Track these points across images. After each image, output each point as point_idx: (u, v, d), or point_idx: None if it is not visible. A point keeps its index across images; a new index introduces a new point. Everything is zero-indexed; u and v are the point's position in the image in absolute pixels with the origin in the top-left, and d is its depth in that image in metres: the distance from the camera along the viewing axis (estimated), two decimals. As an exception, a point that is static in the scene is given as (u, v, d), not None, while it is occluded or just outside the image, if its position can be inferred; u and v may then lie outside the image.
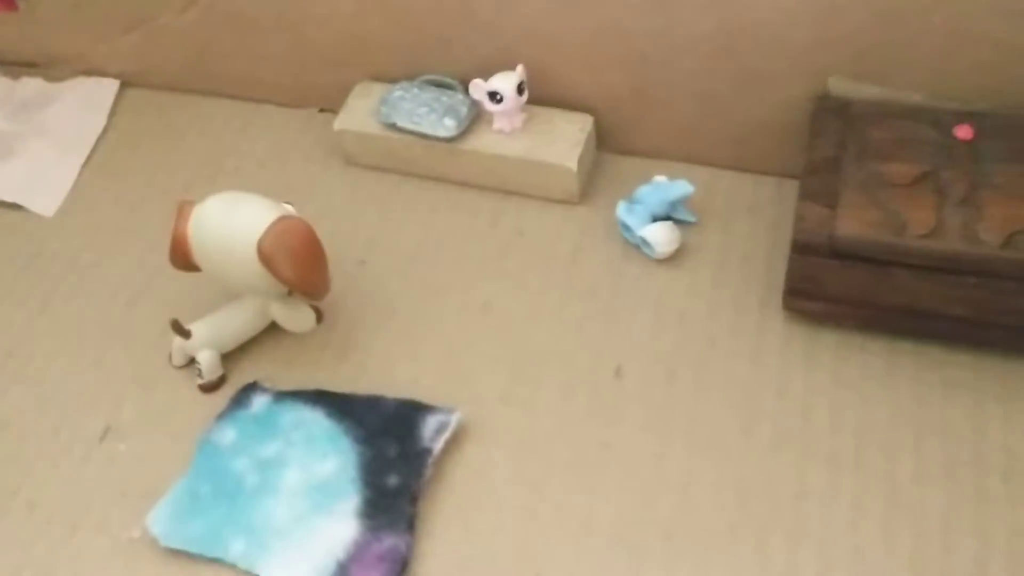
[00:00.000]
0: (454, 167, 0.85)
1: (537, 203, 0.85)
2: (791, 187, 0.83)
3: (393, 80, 0.88)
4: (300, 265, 0.69)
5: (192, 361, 0.75)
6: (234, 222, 0.69)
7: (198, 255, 0.71)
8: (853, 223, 0.68)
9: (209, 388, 0.75)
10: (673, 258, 0.80)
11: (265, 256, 0.68)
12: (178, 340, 0.74)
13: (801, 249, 0.69)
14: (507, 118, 0.82)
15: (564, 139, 0.82)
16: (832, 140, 0.73)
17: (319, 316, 0.77)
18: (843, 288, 0.71)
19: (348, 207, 0.87)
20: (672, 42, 0.78)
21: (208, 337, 0.74)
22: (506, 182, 0.85)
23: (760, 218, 0.82)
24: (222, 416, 0.72)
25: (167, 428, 0.74)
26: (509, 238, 0.83)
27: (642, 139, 0.86)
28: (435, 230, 0.84)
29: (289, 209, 0.72)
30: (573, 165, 0.81)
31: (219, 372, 0.75)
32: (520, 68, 0.80)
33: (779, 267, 0.77)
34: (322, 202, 0.87)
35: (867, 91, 0.76)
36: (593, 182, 0.86)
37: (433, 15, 0.83)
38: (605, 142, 0.87)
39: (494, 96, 0.80)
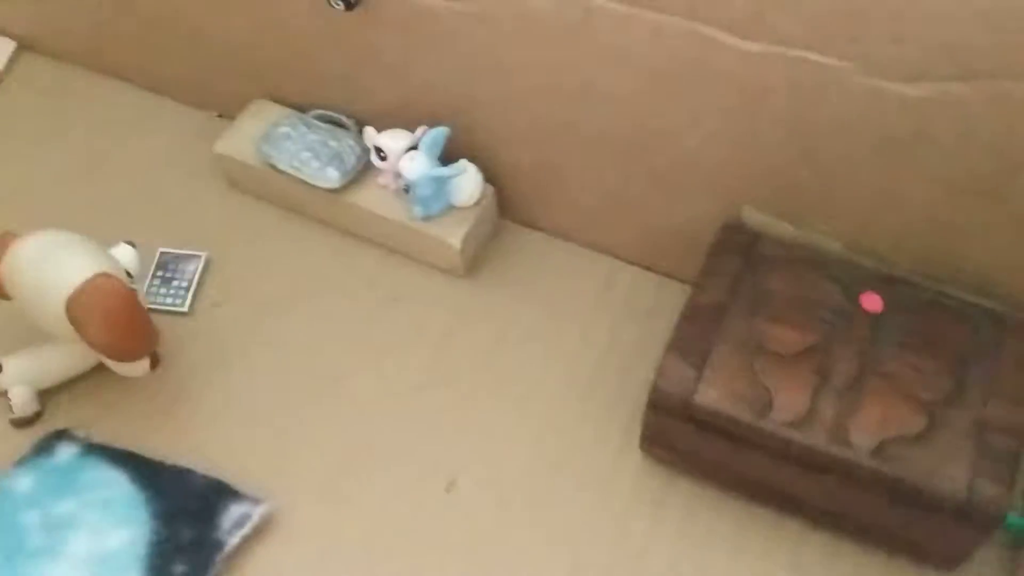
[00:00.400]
0: (336, 215, 0.79)
1: (421, 268, 0.78)
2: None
3: (292, 102, 0.81)
4: (110, 330, 0.64)
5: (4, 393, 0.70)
6: (48, 272, 0.63)
7: (12, 293, 0.65)
8: (715, 393, 0.61)
9: (21, 424, 0.70)
10: (553, 351, 0.74)
11: (72, 317, 0.62)
12: None
13: (654, 406, 0.63)
14: (391, 175, 0.75)
15: (454, 211, 0.75)
16: (725, 283, 0.66)
17: (154, 362, 0.71)
18: (698, 450, 0.65)
19: (218, 236, 0.81)
20: (584, 131, 0.71)
21: (23, 372, 0.69)
22: (388, 240, 0.78)
23: (654, 325, 0.75)
24: (22, 462, 0.68)
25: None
26: (382, 303, 0.77)
27: (545, 216, 0.79)
28: (305, 280, 0.78)
29: (123, 256, 0.66)
30: (457, 243, 0.74)
31: (34, 408, 0.70)
32: (419, 132, 0.73)
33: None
34: (193, 225, 0.81)
35: (783, 229, 0.69)
36: (487, 252, 0.79)
37: (333, 49, 0.75)
38: (508, 210, 0.80)
39: (379, 152, 0.73)
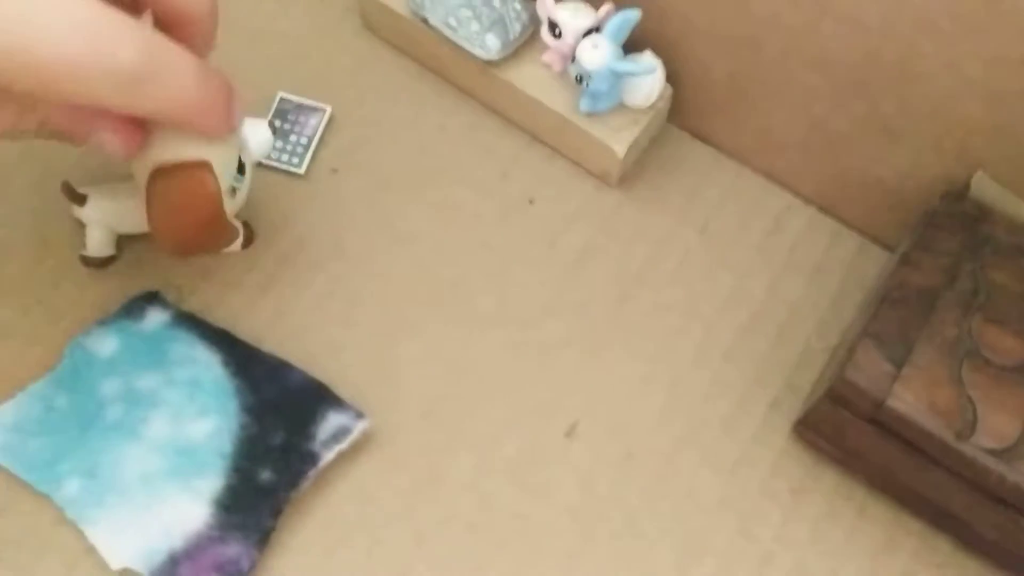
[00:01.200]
0: (484, 89, 0.68)
1: (565, 167, 0.68)
2: (876, 255, 0.66)
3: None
4: (171, 228, 0.54)
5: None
6: (156, 132, 0.53)
7: None
8: (912, 399, 0.52)
9: (91, 264, 0.62)
10: (701, 294, 0.64)
11: (148, 192, 0.53)
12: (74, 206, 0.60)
13: (836, 399, 0.54)
14: (560, 56, 0.63)
15: (624, 109, 0.64)
16: (942, 264, 0.55)
17: (248, 238, 0.63)
18: (868, 452, 0.56)
19: (344, 88, 0.70)
20: (806, 49, 0.58)
21: (104, 211, 0.60)
22: (538, 129, 0.67)
23: (823, 282, 0.65)
24: (106, 322, 0.61)
25: (44, 308, 0.62)
26: (517, 203, 0.67)
27: (724, 133, 0.68)
28: (436, 159, 0.68)
29: (254, 135, 0.57)
30: (621, 149, 0.63)
31: (109, 251, 0.62)
32: (604, 11, 0.61)
33: (815, 364, 0.62)
34: (318, 71, 0.70)
35: (1016, 208, 0.57)
36: (645, 160, 0.68)
37: None
38: (680, 116, 0.69)
39: (553, 28, 0.61)
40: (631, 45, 0.62)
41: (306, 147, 0.66)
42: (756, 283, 0.65)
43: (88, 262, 0.62)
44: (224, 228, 0.58)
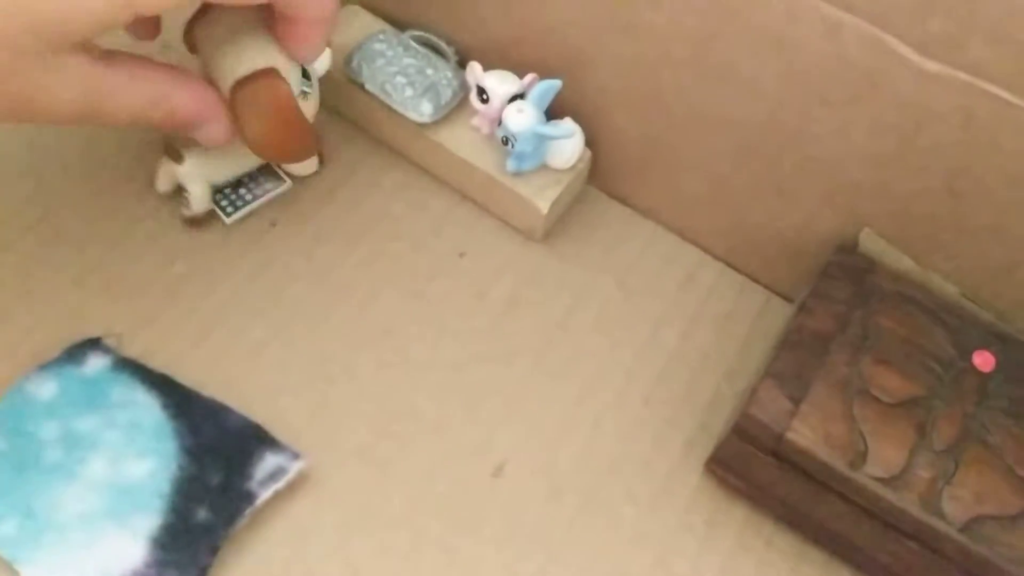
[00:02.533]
0: (417, 150, 0.72)
1: (493, 223, 0.73)
2: (779, 306, 0.72)
3: (389, 16, 0.73)
4: (265, 131, 0.60)
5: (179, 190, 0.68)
6: (226, 55, 0.60)
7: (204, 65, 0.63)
8: (809, 433, 0.57)
9: (195, 223, 0.68)
10: (621, 339, 0.69)
11: (232, 110, 0.60)
12: (167, 163, 0.66)
13: (741, 434, 0.59)
14: (488, 120, 0.69)
15: (547, 170, 0.69)
16: (835, 310, 0.61)
17: (322, 159, 0.72)
18: (772, 485, 0.61)
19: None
20: (710, 112, 0.64)
21: (201, 166, 0.66)
22: (467, 187, 0.72)
23: (731, 330, 0.71)
24: (47, 366, 0.62)
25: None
26: (447, 256, 0.71)
27: (638, 192, 0.73)
28: (369, 213, 0.72)
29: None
30: (544, 207, 0.68)
31: (208, 206, 0.68)
32: (528, 79, 0.66)
33: (725, 406, 0.67)
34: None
35: (901, 262, 0.64)
36: (567, 218, 0.73)
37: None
38: (599, 177, 0.74)
39: (481, 93, 0.66)
40: (553, 111, 0.67)
41: (248, 203, 0.69)
42: (671, 332, 0.70)
43: (192, 222, 0.68)
44: (307, 127, 0.63)
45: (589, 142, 0.70)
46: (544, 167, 0.68)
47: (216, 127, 0.61)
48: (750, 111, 0.62)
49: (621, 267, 0.72)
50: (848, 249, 0.64)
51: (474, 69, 0.66)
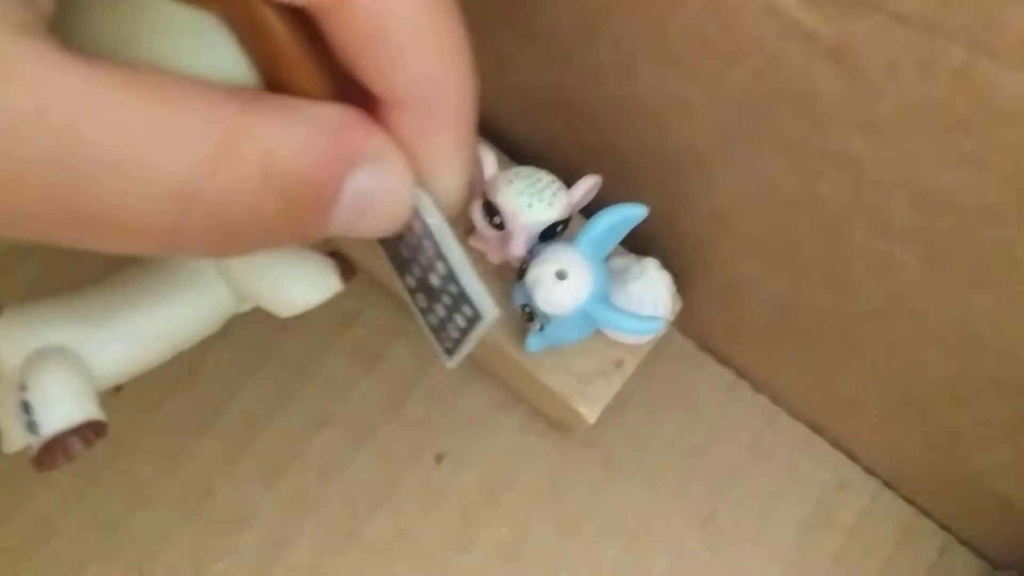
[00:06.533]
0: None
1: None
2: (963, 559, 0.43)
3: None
4: None
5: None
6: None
7: None
8: None
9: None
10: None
11: None
12: None
13: None
14: (496, 249, 0.38)
15: (600, 337, 0.39)
16: None
17: (350, 271, 0.33)
18: None
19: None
20: (885, 287, 0.33)
21: None
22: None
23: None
24: None
25: None
26: (424, 462, 0.42)
27: (753, 364, 0.43)
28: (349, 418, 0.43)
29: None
30: (591, 413, 0.38)
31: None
32: (582, 188, 0.35)
33: None
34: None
35: None
36: (623, 392, 0.43)
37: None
38: (687, 321, 0.44)
39: (491, 213, 0.35)
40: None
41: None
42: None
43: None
44: None
45: (680, 286, 0.39)
46: (596, 333, 0.38)
47: None
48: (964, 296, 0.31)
49: (715, 489, 0.43)
50: None
51: (487, 163, 0.35)
